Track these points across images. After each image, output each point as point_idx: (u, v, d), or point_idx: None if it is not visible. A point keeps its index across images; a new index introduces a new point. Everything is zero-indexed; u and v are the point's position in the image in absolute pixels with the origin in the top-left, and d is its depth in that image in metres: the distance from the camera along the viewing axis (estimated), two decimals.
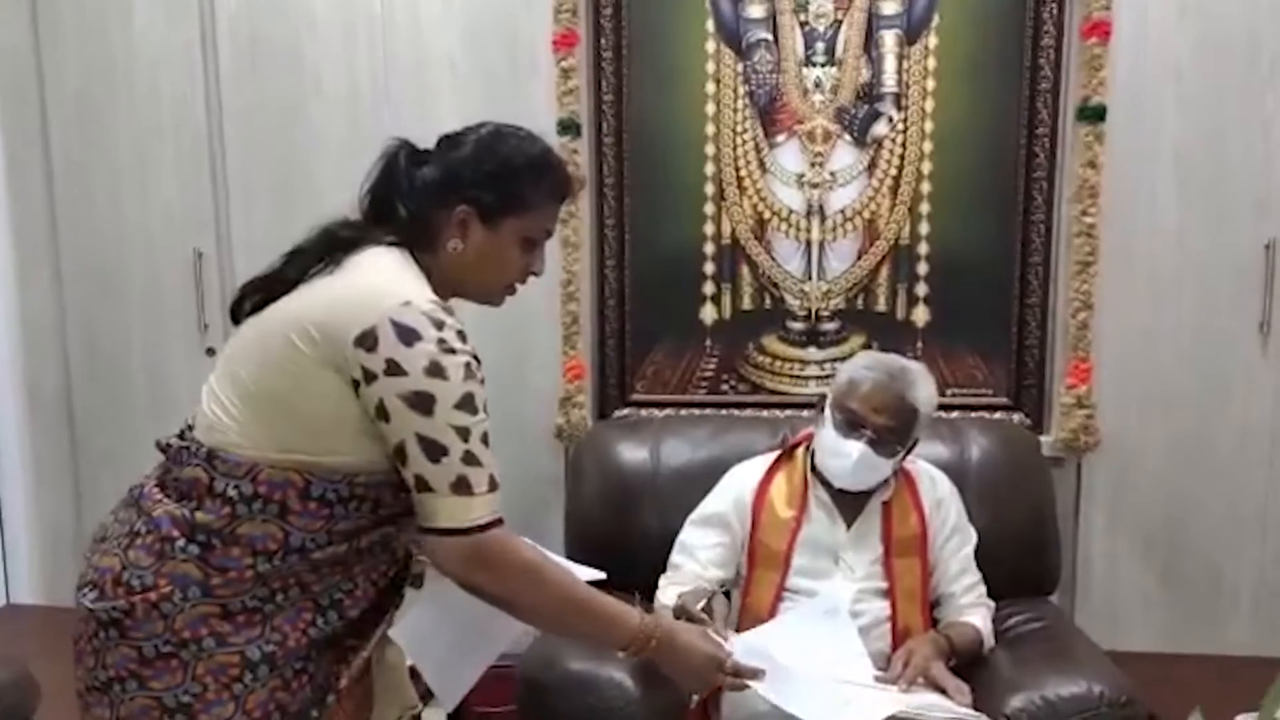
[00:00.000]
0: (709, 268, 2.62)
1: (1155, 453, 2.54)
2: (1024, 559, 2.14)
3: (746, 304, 2.63)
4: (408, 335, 1.18)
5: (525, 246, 1.36)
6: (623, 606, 1.37)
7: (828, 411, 1.91)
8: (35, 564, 2.82)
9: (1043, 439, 2.51)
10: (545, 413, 2.65)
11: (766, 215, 2.59)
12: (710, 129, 2.57)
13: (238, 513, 1.21)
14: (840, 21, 2.50)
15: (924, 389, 1.90)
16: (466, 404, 1.20)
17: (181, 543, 1.20)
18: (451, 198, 1.31)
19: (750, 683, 1.48)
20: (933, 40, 2.49)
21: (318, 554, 1.23)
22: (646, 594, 2.03)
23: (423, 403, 1.18)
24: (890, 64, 2.51)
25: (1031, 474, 2.21)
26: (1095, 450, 2.52)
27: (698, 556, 1.96)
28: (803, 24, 2.51)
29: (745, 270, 2.61)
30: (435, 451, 1.19)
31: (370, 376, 1.19)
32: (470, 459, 1.20)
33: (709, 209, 2.60)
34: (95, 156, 2.77)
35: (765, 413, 2.52)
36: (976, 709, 1.71)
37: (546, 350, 2.64)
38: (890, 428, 1.87)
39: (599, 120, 2.58)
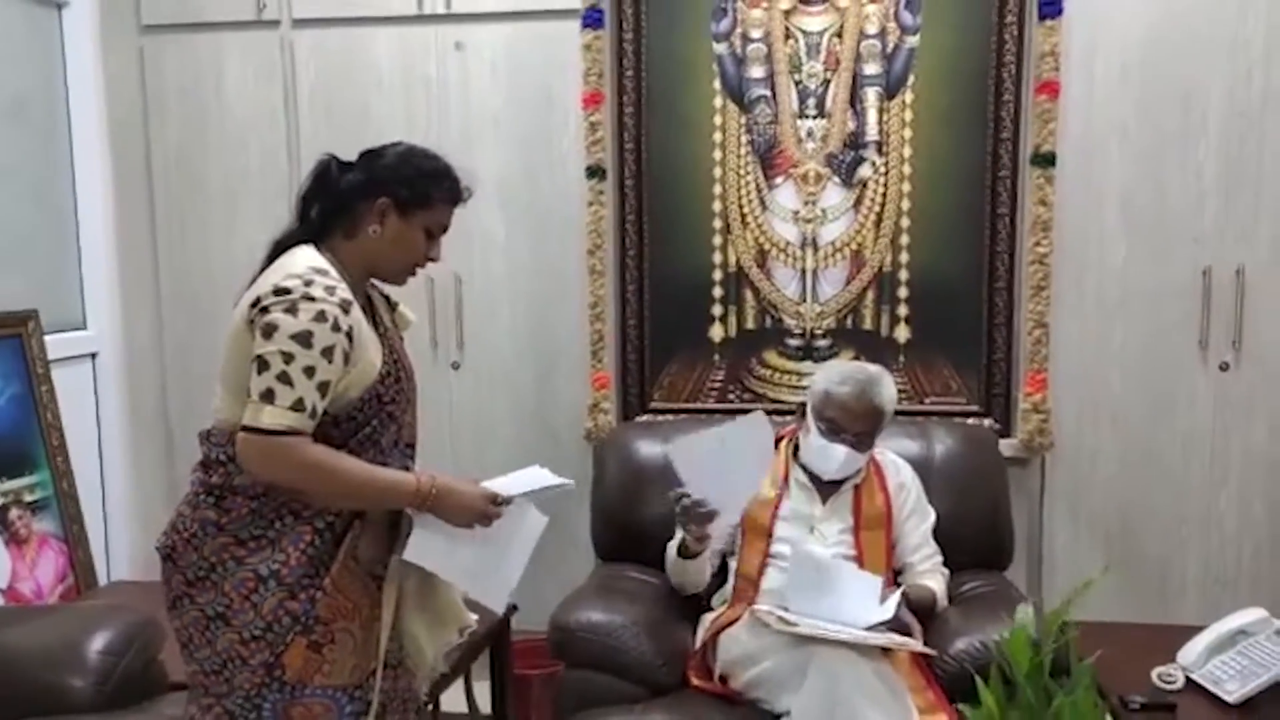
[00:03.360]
0: (717, 292, 3.01)
1: (1108, 455, 2.88)
2: (981, 539, 2.50)
3: (750, 324, 3.01)
4: (281, 290, 1.57)
5: (427, 235, 1.75)
6: (402, 474, 1.69)
7: (810, 419, 2.29)
8: (135, 546, 3.24)
9: (1008, 441, 2.88)
10: (576, 418, 3.04)
11: (766, 246, 2.98)
12: (717, 172, 2.97)
13: (229, 470, 1.62)
14: (829, 80, 2.90)
15: (887, 391, 2.29)
16: (303, 339, 1.53)
17: (204, 496, 1.64)
18: (374, 192, 1.70)
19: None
20: (909, 96, 2.88)
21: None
22: (659, 565, 2.42)
23: (268, 331, 1.55)
24: (873, 116, 2.90)
25: (989, 469, 2.57)
26: (1053, 451, 2.87)
27: None
28: (797, 82, 2.91)
29: (748, 294, 3.00)
30: (261, 367, 1.54)
31: (254, 325, 1.57)
32: (284, 378, 1.53)
33: (716, 241, 2.99)
34: (191, 201, 3.21)
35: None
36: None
37: (576, 364, 3.04)
38: (865, 430, 2.26)
39: (621, 166, 2.99)
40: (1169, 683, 2.12)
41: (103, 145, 3.20)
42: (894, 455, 2.41)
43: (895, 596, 2.07)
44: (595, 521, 2.61)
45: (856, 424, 2.24)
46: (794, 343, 3.00)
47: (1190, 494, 2.87)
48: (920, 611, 2.20)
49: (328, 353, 1.56)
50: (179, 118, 3.18)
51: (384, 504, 1.70)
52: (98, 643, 2.05)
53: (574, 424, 3.04)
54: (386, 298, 1.91)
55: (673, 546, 2.30)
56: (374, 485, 1.65)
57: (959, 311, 2.92)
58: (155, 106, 3.19)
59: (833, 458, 2.24)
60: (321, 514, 1.64)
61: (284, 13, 3.08)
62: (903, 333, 2.96)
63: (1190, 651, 2.16)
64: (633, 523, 2.53)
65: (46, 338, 2.94)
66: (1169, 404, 2.85)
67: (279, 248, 1.73)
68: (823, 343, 2.99)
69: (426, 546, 1.72)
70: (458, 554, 1.76)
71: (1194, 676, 2.11)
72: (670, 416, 2.99)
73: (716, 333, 3.03)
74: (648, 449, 2.61)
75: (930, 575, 2.30)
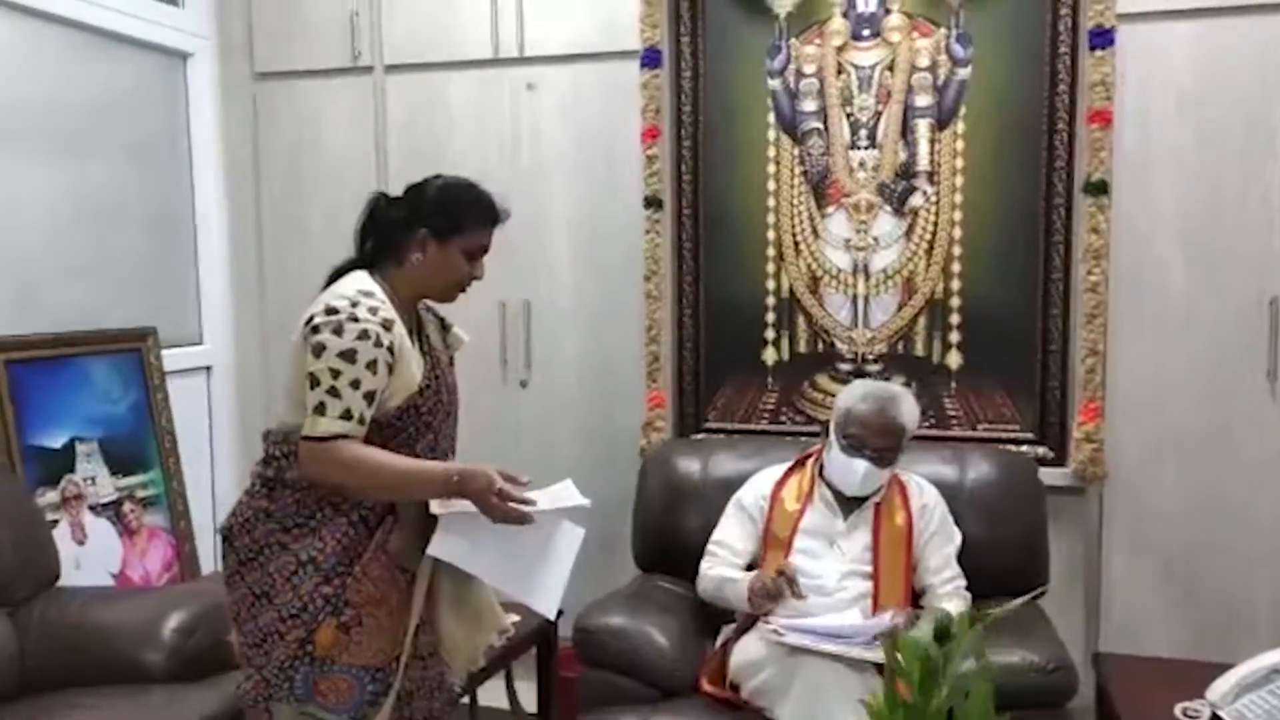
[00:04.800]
0: (770, 317, 3.10)
1: (1170, 487, 2.81)
2: (1013, 567, 2.50)
3: (802, 348, 3.09)
4: (330, 311, 1.76)
5: (467, 258, 1.92)
6: (430, 464, 1.84)
7: (833, 436, 2.37)
8: None
9: (1061, 470, 2.85)
10: (633, 436, 3.16)
11: (819, 273, 3.06)
12: (771, 201, 3.07)
13: (281, 465, 1.82)
14: (880, 112, 2.97)
15: (908, 409, 2.34)
16: (348, 356, 1.73)
17: (259, 487, 1.85)
18: (415, 225, 1.89)
19: None
20: (960, 126, 2.92)
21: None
22: (692, 578, 2.52)
23: (317, 350, 1.74)
24: (924, 147, 2.94)
25: (1025, 496, 2.57)
26: (1111, 482, 2.83)
27: (729, 544, 2.43)
28: (849, 115, 2.99)
29: (801, 320, 3.08)
30: (313, 383, 1.73)
31: (307, 343, 1.75)
32: (333, 392, 1.72)
33: (770, 268, 3.09)
34: (294, 233, 3.51)
35: (801, 438, 2.95)
36: None
37: (634, 385, 3.16)
38: (886, 446, 2.32)
39: (680, 196, 3.13)
40: (1192, 718, 2.08)
41: (219, 181, 3.57)
42: (919, 478, 2.44)
43: (889, 614, 2.11)
44: (635, 534, 2.73)
45: (877, 440, 2.30)
46: (845, 367, 3.05)
47: (1258, 529, 2.76)
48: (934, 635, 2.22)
49: (371, 366, 1.76)
50: (285, 157, 3.51)
51: (421, 491, 1.83)
52: (172, 622, 2.31)
53: (631, 441, 3.16)
54: (441, 320, 2.11)
55: (732, 591, 2.32)
56: (411, 473, 1.82)
57: (1012, 339, 2.92)
58: (265, 146, 3.53)
59: (854, 473, 2.31)
60: (357, 507, 1.83)
61: (376, 59, 3.36)
62: (954, 359, 2.97)
63: (1219, 688, 2.11)
64: (670, 536, 2.65)
65: (166, 352, 3.28)
66: (1234, 435, 2.77)
67: (337, 274, 1.95)
68: (874, 367, 3.03)
69: (450, 544, 1.86)
70: (482, 555, 1.89)
71: (1221, 713, 2.07)
72: (721, 435, 3.09)
73: (770, 356, 3.11)
74: (687, 466, 2.72)
75: (950, 599, 2.32)
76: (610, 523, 2.79)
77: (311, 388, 1.75)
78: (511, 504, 1.83)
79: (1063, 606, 2.87)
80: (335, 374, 1.74)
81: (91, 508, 2.94)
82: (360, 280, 1.88)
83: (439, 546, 1.87)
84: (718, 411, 3.16)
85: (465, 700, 2.60)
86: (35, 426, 2.82)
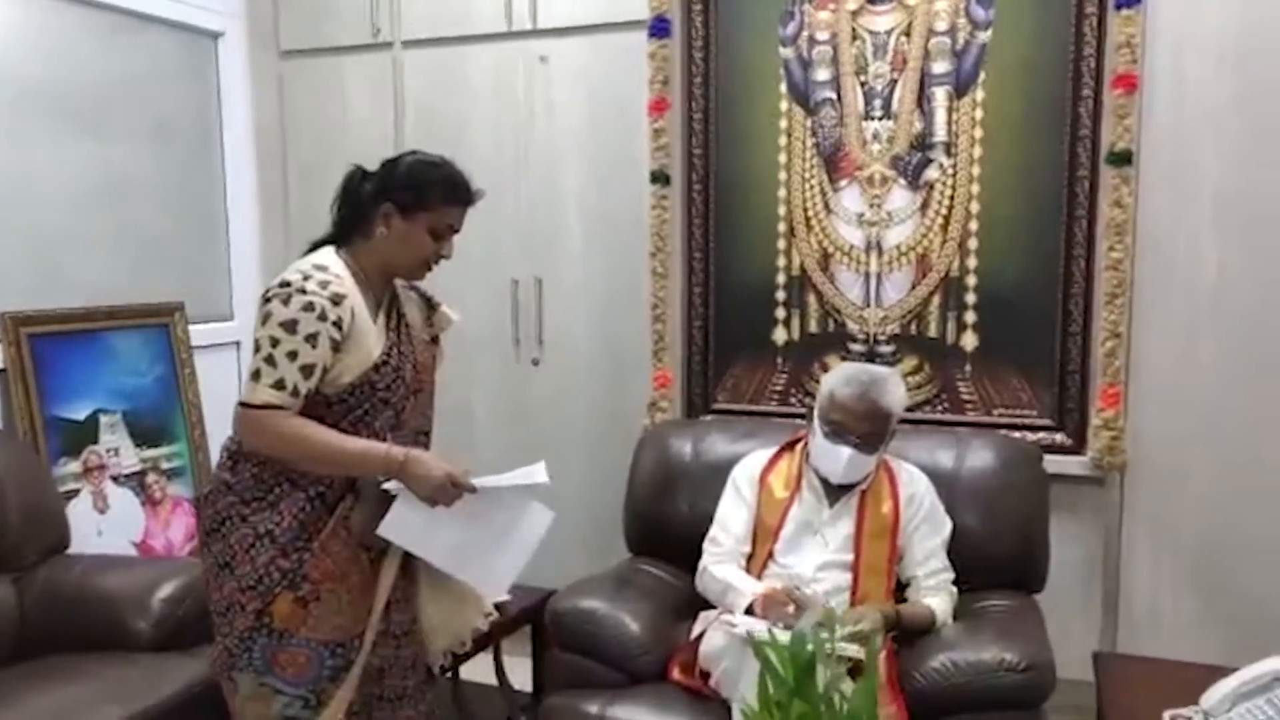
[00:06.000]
0: (780, 295, 3.01)
1: (1198, 478, 2.65)
2: (1009, 559, 2.38)
3: (813, 327, 2.99)
4: (283, 284, 1.80)
5: (433, 235, 1.91)
6: (374, 443, 1.83)
7: (816, 422, 2.29)
8: None
9: (1079, 459, 2.71)
10: (643, 414, 3.13)
11: (830, 250, 2.95)
12: (782, 175, 2.97)
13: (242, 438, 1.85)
14: (896, 81, 2.84)
15: (894, 393, 2.24)
16: (290, 326, 1.75)
17: (224, 459, 1.88)
18: (381, 199, 1.89)
19: None
20: (980, 94, 2.77)
21: None
22: (679, 563, 2.47)
23: (264, 319, 1.78)
24: (941, 117, 2.81)
25: (1024, 485, 2.43)
26: (1132, 471, 2.67)
27: (732, 531, 2.36)
28: (863, 84, 2.87)
29: (812, 298, 2.99)
30: (255, 349, 1.78)
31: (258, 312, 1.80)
32: (270, 360, 1.75)
33: (781, 244, 3.00)
34: (321, 207, 3.53)
35: (797, 420, 2.87)
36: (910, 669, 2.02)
37: (644, 363, 3.11)
38: (870, 432, 2.23)
39: (690, 170, 3.05)
40: None
41: (249, 157, 3.63)
42: (911, 466, 2.35)
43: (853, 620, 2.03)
44: (626, 515, 2.69)
45: (860, 425, 2.21)
46: (857, 348, 2.95)
47: None
48: (911, 629, 2.14)
49: (311, 339, 1.77)
50: (310, 132, 3.56)
51: (357, 469, 1.85)
52: (163, 592, 2.37)
53: (637, 424, 3.13)
54: (429, 299, 2.10)
55: (734, 599, 2.22)
56: (345, 451, 1.81)
57: (1031, 320, 2.77)
58: (291, 122, 3.58)
59: (838, 459, 2.22)
60: (315, 483, 1.84)
61: (395, 34, 3.37)
62: (970, 340, 2.84)
63: (1214, 694, 1.97)
64: (659, 519, 2.60)
65: (196, 327, 3.37)
66: (1270, 425, 2.58)
67: (312, 248, 1.96)
68: (886, 349, 2.92)
69: (403, 524, 1.86)
70: (437, 536, 1.88)
71: None
72: (729, 416, 3.02)
73: (780, 335, 3.03)
74: (679, 448, 2.66)
75: (934, 592, 2.23)
76: (618, 502, 2.75)
77: (254, 354, 1.79)
78: (452, 488, 1.83)
79: (1079, 604, 2.75)
80: (275, 342, 1.76)
81: (114, 478, 3.05)
82: (321, 256, 1.89)
83: (389, 527, 1.86)
84: (727, 392, 3.09)
85: (448, 677, 2.62)
86: (59, 398, 2.92)
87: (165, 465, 3.22)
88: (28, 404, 2.83)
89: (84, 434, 2.98)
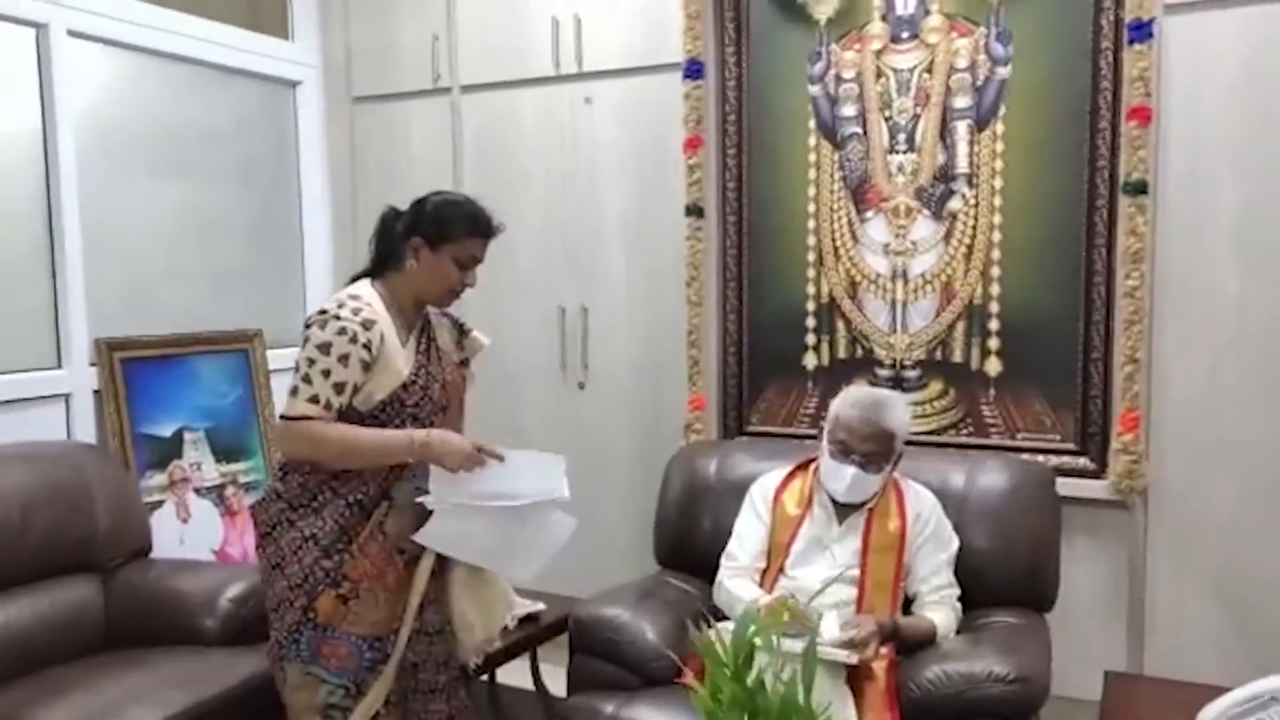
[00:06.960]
0: (810, 322, 3.13)
1: (1222, 503, 2.66)
2: (1017, 577, 2.44)
3: (842, 353, 3.10)
4: (322, 312, 2.01)
5: (459, 265, 2.11)
6: (397, 432, 2.03)
7: (824, 442, 2.41)
8: None
9: (1100, 483, 2.75)
10: (678, 439, 3.27)
11: (858, 278, 3.06)
12: (811, 207, 3.10)
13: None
14: (919, 116, 2.95)
15: (897, 415, 2.36)
16: (324, 348, 1.96)
17: (276, 470, 2.10)
18: (411, 235, 2.10)
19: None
20: (1000, 127, 2.85)
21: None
22: (702, 575, 2.61)
23: (303, 341, 1.99)
24: (963, 149, 2.90)
25: (1035, 506, 2.49)
26: (1155, 497, 2.70)
27: (748, 546, 2.49)
28: (887, 119, 2.99)
29: (840, 325, 3.10)
30: (295, 369, 1.99)
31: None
32: (307, 379, 1.96)
33: (810, 273, 3.12)
34: None
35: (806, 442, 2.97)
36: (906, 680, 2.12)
37: (681, 388, 3.26)
38: (874, 451, 2.34)
39: (724, 204, 3.21)
40: None
41: (323, 195, 3.92)
42: (919, 485, 2.44)
43: (854, 628, 2.13)
44: (655, 530, 2.84)
45: (864, 445, 2.32)
46: (884, 373, 3.05)
47: None
48: (912, 641, 2.23)
49: (343, 359, 1.99)
50: (378, 172, 3.82)
51: (387, 454, 2.04)
52: (230, 592, 2.62)
53: (679, 441, 3.27)
54: (461, 325, 2.31)
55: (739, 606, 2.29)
56: (375, 440, 2.03)
57: (1053, 346, 2.83)
58: (361, 163, 3.86)
59: (842, 478, 2.34)
60: (353, 490, 2.06)
61: (454, 80, 3.62)
62: (994, 366, 2.92)
63: (1209, 712, 2.02)
64: (685, 535, 2.74)
65: (273, 351, 3.66)
66: None
67: (352, 280, 2.19)
68: (912, 373, 3.01)
69: (440, 532, 2.08)
70: (470, 542, 2.11)
71: None
72: (753, 438, 3.15)
73: (810, 361, 3.15)
74: (704, 467, 2.80)
75: (937, 607, 2.32)
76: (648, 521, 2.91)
77: (294, 373, 2.01)
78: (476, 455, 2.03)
79: (1103, 627, 2.79)
80: (311, 362, 1.99)
81: (196, 490, 3.33)
82: (357, 287, 2.12)
83: (427, 534, 2.08)
84: (760, 415, 3.22)
85: (485, 679, 2.80)
86: (147, 417, 3.23)
87: (243, 479, 3.49)
88: (119, 422, 3.13)
89: (170, 450, 3.28)
